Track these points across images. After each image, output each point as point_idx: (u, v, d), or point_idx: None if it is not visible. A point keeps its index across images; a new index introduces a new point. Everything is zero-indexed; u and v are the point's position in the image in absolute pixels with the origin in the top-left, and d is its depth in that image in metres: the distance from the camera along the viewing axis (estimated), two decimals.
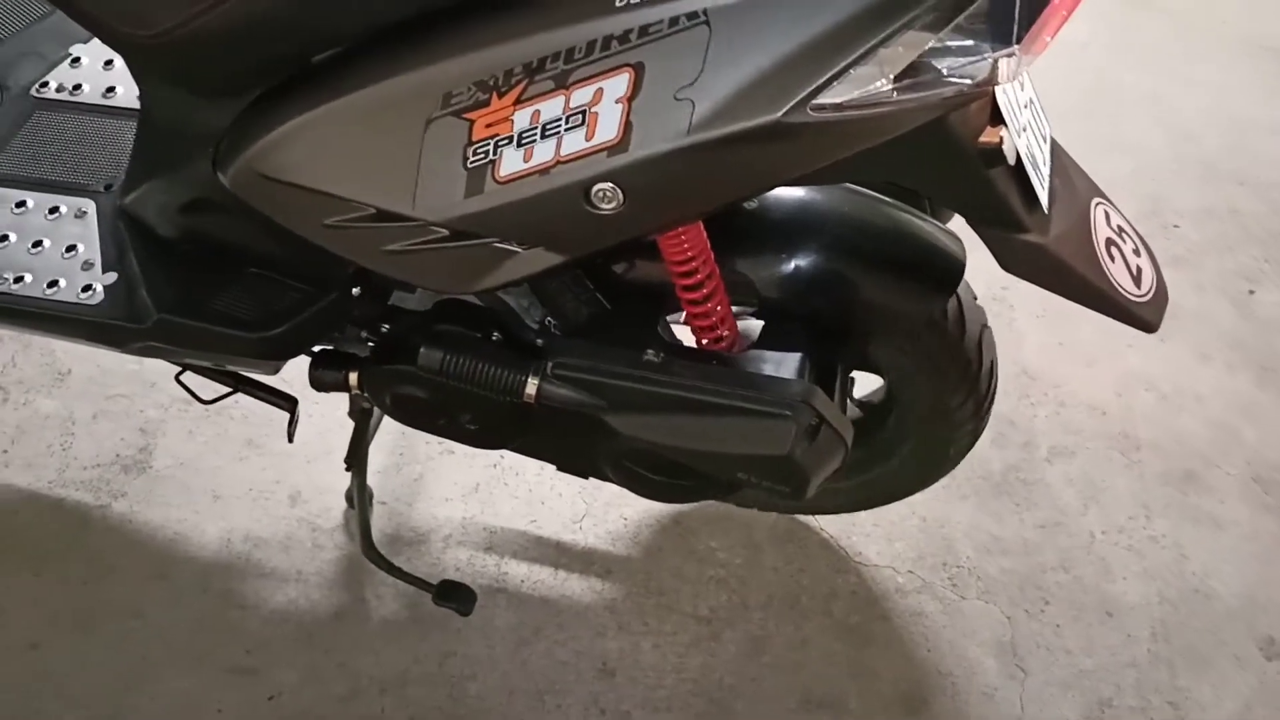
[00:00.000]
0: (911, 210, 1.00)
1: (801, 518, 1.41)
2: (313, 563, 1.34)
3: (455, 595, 1.24)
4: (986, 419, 1.17)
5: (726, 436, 0.96)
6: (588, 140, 0.74)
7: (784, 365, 0.98)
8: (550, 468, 1.19)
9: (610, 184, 0.75)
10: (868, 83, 0.72)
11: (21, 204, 1.13)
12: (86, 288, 1.04)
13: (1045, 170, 0.86)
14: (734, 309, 1.01)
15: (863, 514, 1.39)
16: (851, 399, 1.21)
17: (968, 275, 1.01)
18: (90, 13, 0.82)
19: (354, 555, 1.34)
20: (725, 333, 1.01)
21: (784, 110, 0.72)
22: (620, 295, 1.02)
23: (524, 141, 0.75)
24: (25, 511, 1.36)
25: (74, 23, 1.27)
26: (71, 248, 1.08)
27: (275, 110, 0.81)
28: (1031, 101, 0.89)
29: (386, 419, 1.16)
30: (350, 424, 1.22)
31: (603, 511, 1.41)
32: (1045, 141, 0.90)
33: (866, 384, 1.21)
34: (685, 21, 0.72)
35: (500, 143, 0.75)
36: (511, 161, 0.75)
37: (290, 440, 1.16)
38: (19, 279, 1.06)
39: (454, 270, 0.86)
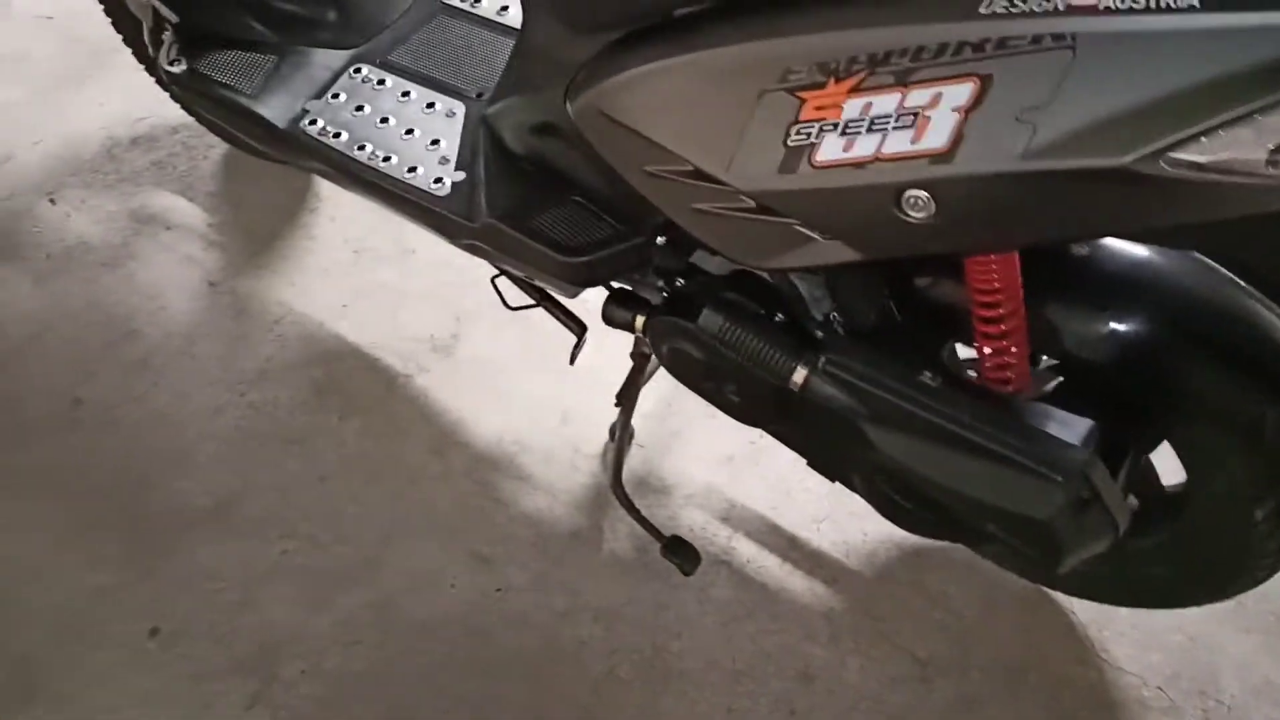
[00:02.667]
0: (1257, 295, 0.89)
1: (1053, 593, 1.31)
2: (565, 481, 1.42)
3: (682, 552, 1.27)
4: None
5: (987, 484, 0.91)
6: (913, 143, 0.72)
7: (1070, 428, 0.91)
8: (804, 461, 1.18)
9: (925, 192, 0.73)
10: (1240, 148, 0.64)
11: (406, 94, 1.26)
12: (438, 180, 1.16)
13: None
14: (1030, 354, 0.95)
15: (1123, 610, 1.27)
16: (1145, 483, 1.10)
17: None
18: None
19: (603, 486, 1.41)
20: (1013, 376, 0.95)
21: (1135, 156, 0.66)
22: (913, 309, 0.99)
23: (848, 131, 0.74)
24: (348, 361, 1.53)
25: None
26: (435, 142, 1.20)
27: (629, 54, 0.85)
28: None
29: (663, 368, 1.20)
30: (629, 363, 1.27)
31: (845, 519, 1.38)
32: None
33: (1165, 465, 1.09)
34: (1050, 42, 0.67)
35: (825, 127, 0.75)
36: (831, 148, 0.75)
37: (571, 362, 1.23)
38: (387, 158, 1.19)
39: (751, 242, 0.87)
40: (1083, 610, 1.30)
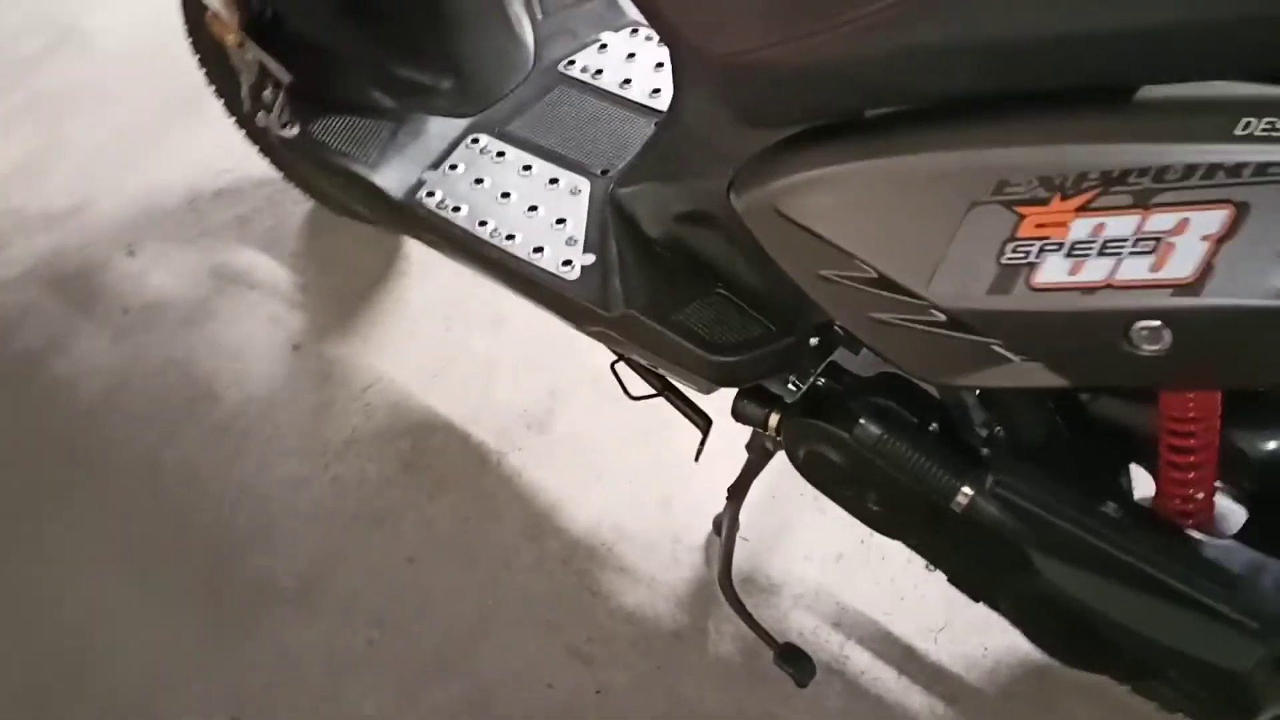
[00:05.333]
0: None
1: None
2: (667, 574, 1.35)
3: (796, 662, 1.20)
4: None
5: (1175, 628, 0.84)
6: (1153, 271, 0.65)
7: (1266, 572, 0.83)
8: (919, 564, 1.11)
9: (1161, 324, 0.66)
10: None
11: (528, 167, 1.21)
12: (566, 262, 1.10)
13: None
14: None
15: None
16: None
17: None
18: (671, 22, 0.84)
19: (707, 580, 1.34)
20: (1195, 509, 0.88)
21: None
22: (1084, 427, 0.92)
23: (1075, 253, 0.67)
24: (439, 434, 1.47)
25: (608, 13, 1.40)
26: (561, 220, 1.14)
27: (811, 152, 0.79)
28: None
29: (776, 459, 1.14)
30: (728, 449, 1.20)
31: (963, 631, 1.30)
32: None
33: None
34: None
35: (1047, 247, 0.68)
36: (1053, 270, 0.68)
37: (696, 459, 1.17)
38: (510, 236, 1.14)
39: (935, 358, 0.80)
40: None
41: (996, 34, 0.65)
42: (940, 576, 1.07)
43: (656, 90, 1.25)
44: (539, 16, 1.37)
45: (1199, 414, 0.82)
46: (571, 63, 1.32)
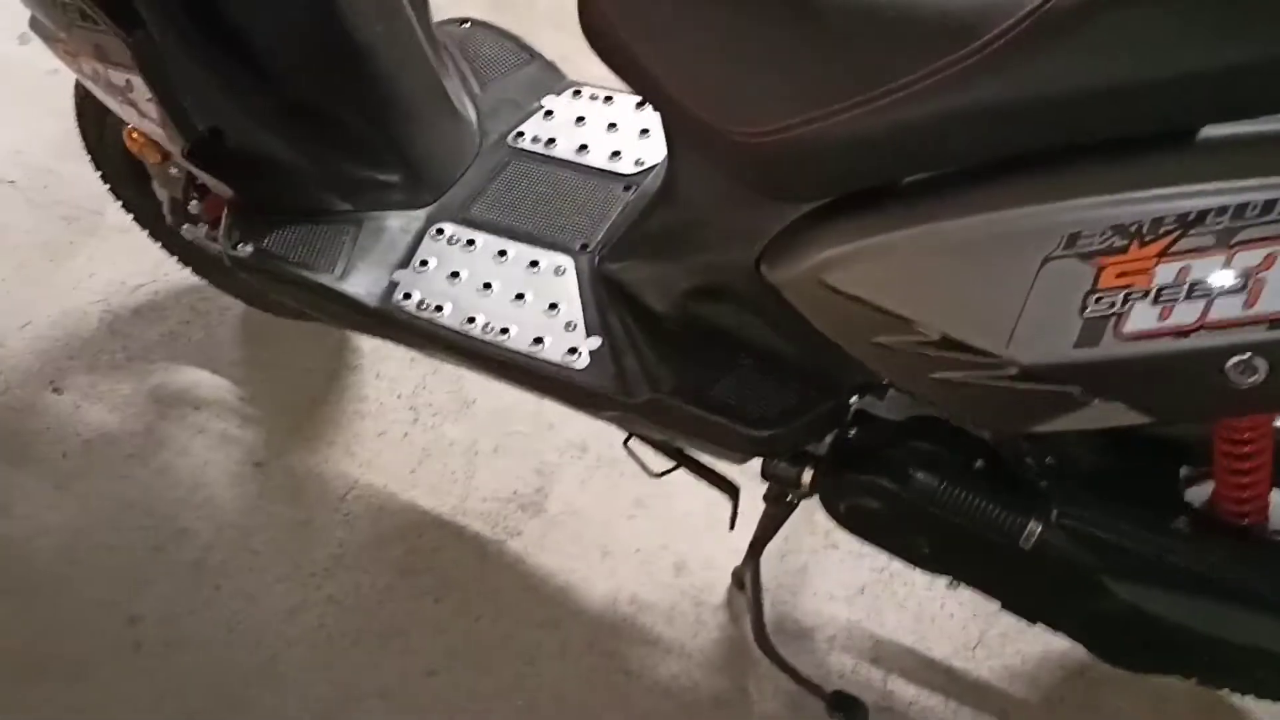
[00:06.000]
0: None
1: (1230, 697, 1.25)
2: (695, 639, 1.31)
3: (849, 708, 1.18)
4: None
5: (1259, 631, 0.85)
6: (1247, 308, 0.66)
7: None
8: (940, 583, 1.11)
9: (1259, 357, 0.67)
10: None
11: (502, 253, 1.16)
12: (572, 350, 1.05)
13: None
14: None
15: None
16: None
17: None
18: (684, 106, 0.81)
19: (735, 637, 1.31)
20: (1252, 509, 0.90)
21: None
22: (1136, 442, 0.93)
23: (1163, 299, 0.67)
24: (430, 535, 1.41)
25: (545, 76, 1.36)
26: (553, 305, 1.10)
27: (855, 222, 0.78)
28: None
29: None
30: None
31: (998, 643, 1.30)
32: None
33: None
34: None
35: (1133, 295, 0.68)
36: (1143, 318, 0.68)
37: (731, 528, 1.14)
38: (504, 330, 1.09)
39: (1005, 408, 0.79)
40: (1265, 711, 1.24)
41: (1072, 86, 0.64)
42: (963, 592, 1.07)
43: (616, 153, 1.21)
44: (477, 91, 1.32)
45: (1256, 422, 0.83)
46: (520, 134, 1.27)
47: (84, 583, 1.36)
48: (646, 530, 1.40)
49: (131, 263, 1.70)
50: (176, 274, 1.63)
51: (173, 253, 1.56)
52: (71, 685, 1.27)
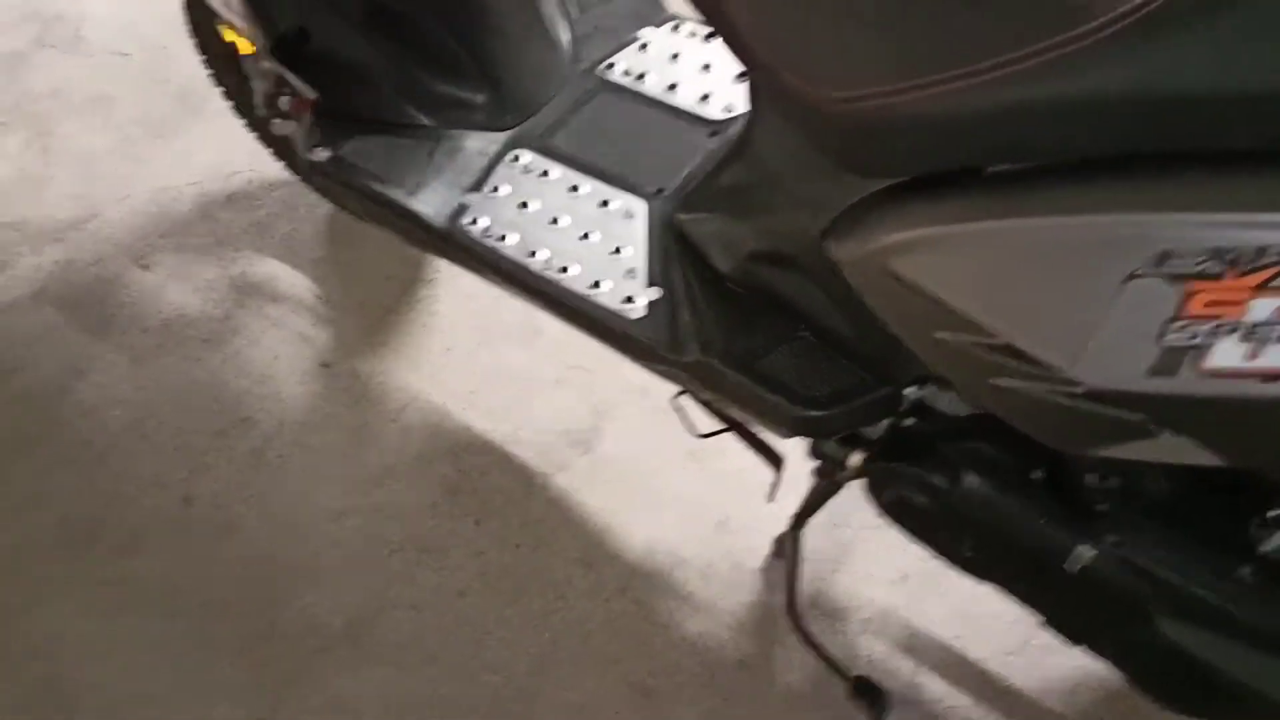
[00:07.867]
0: None
1: None
2: (728, 599, 1.30)
3: (871, 696, 1.16)
4: None
5: None
6: None
7: None
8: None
9: None
10: None
11: (575, 188, 1.13)
12: (628, 299, 1.03)
13: None
14: None
15: None
16: None
17: None
18: (768, 61, 0.76)
19: (769, 604, 1.29)
20: None
21: None
22: (1209, 477, 0.86)
23: (1254, 336, 0.61)
24: (481, 456, 1.41)
25: (646, 8, 1.30)
26: (617, 249, 1.07)
27: (930, 207, 0.72)
28: None
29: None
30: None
31: (1037, 654, 1.25)
32: None
33: None
34: None
35: (1221, 328, 0.61)
36: (1228, 354, 0.62)
37: (770, 500, 1.11)
38: (563, 269, 1.06)
39: (1066, 426, 0.74)
40: None
41: (1194, 83, 0.57)
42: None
43: (705, 96, 1.16)
44: (574, 15, 1.27)
45: None
46: (611, 66, 1.23)
47: (146, 458, 1.40)
48: (695, 483, 1.38)
49: (230, 149, 1.71)
50: (271, 166, 1.64)
51: (267, 145, 1.57)
52: (119, 558, 1.32)
